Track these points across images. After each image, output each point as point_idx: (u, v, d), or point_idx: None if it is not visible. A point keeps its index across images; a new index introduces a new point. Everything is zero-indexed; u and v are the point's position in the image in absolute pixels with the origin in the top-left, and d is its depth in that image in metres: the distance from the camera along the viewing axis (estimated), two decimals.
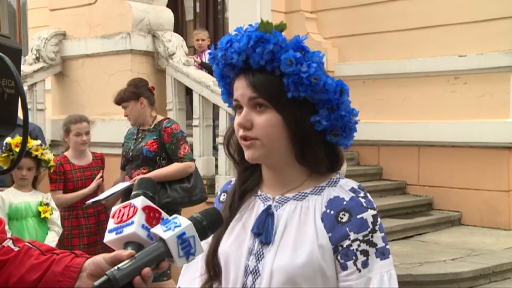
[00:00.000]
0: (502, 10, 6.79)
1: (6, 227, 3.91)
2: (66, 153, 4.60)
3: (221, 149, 5.55)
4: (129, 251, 1.19)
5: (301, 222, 1.37)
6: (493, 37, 6.82)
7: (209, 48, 8.02)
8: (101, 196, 4.28)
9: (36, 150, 4.15)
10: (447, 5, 7.18)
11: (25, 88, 6.32)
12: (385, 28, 7.63)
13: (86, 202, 4.32)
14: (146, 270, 1.15)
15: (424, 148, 7.34)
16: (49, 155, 4.25)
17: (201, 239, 1.20)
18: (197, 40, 7.20)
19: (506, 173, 6.77)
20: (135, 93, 4.37)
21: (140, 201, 1.23)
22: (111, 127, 6.03)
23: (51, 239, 4.12)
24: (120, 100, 4.39)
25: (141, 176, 4.16)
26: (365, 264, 1.32)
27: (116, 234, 1.21)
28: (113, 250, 1.25)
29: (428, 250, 5.80)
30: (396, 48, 7.55)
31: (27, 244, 1.40)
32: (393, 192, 7.38)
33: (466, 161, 6.99)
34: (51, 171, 4.41)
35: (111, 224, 1.23)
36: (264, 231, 1.39)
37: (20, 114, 1.32)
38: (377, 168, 7.70)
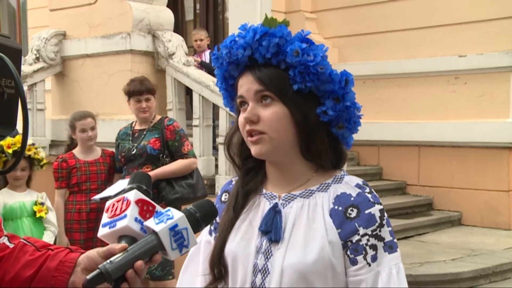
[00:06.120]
0: (502, 10, 6.79)
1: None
2: (74, 150, 4.54)
3: (221, 149, 5.55)
4: (122, 244, 1.19)
5: (310, 219, 1.37)
6: (493, 37, 6.82)
7: (209, 48, 8.02)
8: (107, 193, 4.13)
9: (29, 150, 4.13)
10: (447, 5, 7.18)
11: (25, 88, 6.33)
12: (385, 28, 7.64)
13: (93, 198, 4.23)
14: (139, 263, 1.15)
15: (424, 148, 7.34)
16: (42, 154, 4.23)
17: (195, 231, 1.20)
18: (195, 40, 7.22)
19: (506, 173, 6.76)
20: (156, 88, 4.36)
21: (133, 195, 1.22)
22: (111, 127, 6.02)
23: (48, 240, 4.10)
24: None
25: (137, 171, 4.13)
26: (374, 258, 1.33)
27: (110, 228, 1.21)
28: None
29: (428, 250, 5.79)
30: (396, 48, 7.55)
31: (22, 240, 1.40)
32: (393, 192, 7.38)
33: (466, 161, 6.99)
34: (43, 168, 4.36)
35: (105, 218, 1.23)
36: (273, 229, 1.38)
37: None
38: (377, 168, 7.70)
